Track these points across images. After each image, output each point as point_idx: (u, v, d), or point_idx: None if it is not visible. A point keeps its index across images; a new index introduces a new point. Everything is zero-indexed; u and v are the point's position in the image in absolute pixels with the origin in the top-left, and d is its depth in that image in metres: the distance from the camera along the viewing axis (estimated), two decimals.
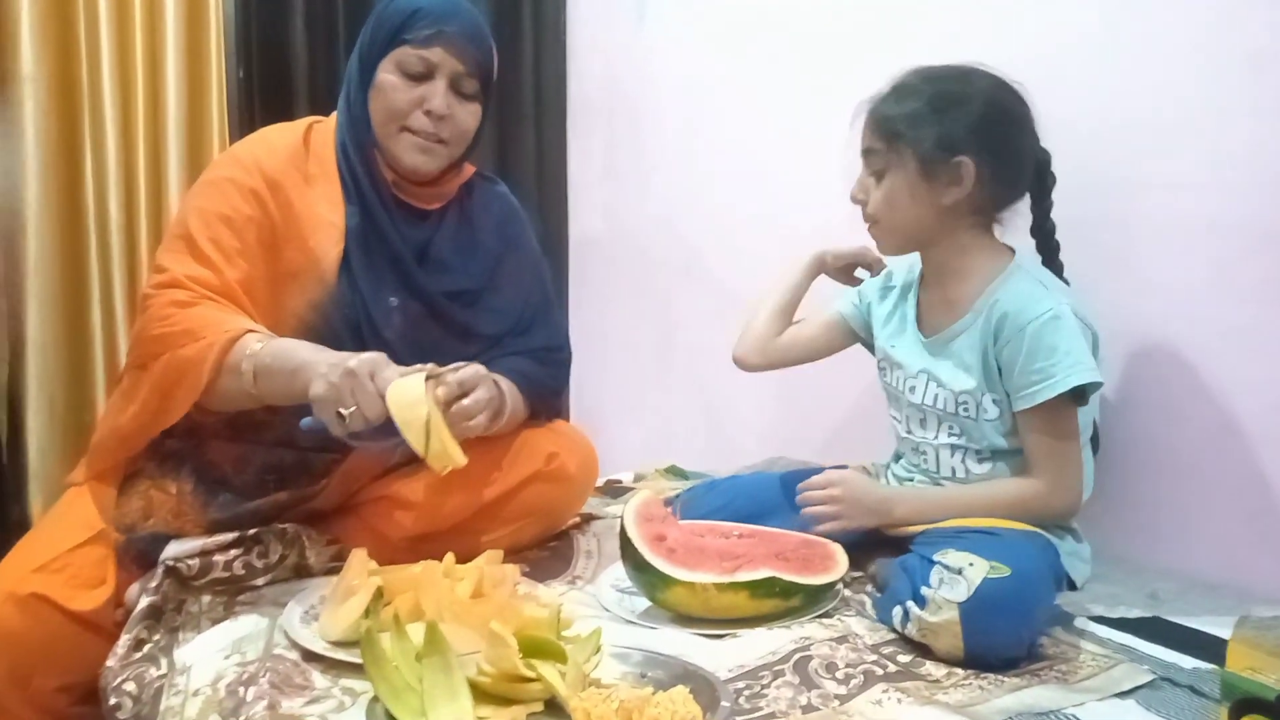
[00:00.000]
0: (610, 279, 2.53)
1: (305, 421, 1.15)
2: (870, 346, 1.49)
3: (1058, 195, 1.32)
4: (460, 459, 1.14)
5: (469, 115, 1.36)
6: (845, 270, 1.54)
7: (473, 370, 1.23)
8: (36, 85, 1.91)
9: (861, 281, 1.52)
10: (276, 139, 1.37)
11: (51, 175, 1.95)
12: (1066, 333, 1.20)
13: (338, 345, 1.19)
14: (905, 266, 1.42)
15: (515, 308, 1.46)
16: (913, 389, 1.33)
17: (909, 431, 1.35)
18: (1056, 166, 1.31)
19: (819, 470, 1.50)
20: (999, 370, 1.24)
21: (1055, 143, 1.33)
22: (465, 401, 1.21)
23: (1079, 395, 1.21)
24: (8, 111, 1.89)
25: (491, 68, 1.38)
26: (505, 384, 1.33)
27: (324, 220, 1.32)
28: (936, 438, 1.31)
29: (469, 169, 1.47)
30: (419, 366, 1.15)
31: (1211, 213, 1.28)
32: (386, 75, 1.32)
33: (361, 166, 1.35)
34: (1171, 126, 1.32)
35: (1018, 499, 1.23)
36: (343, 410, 1.10)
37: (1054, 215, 1.32)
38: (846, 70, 1.79)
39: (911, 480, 1.36)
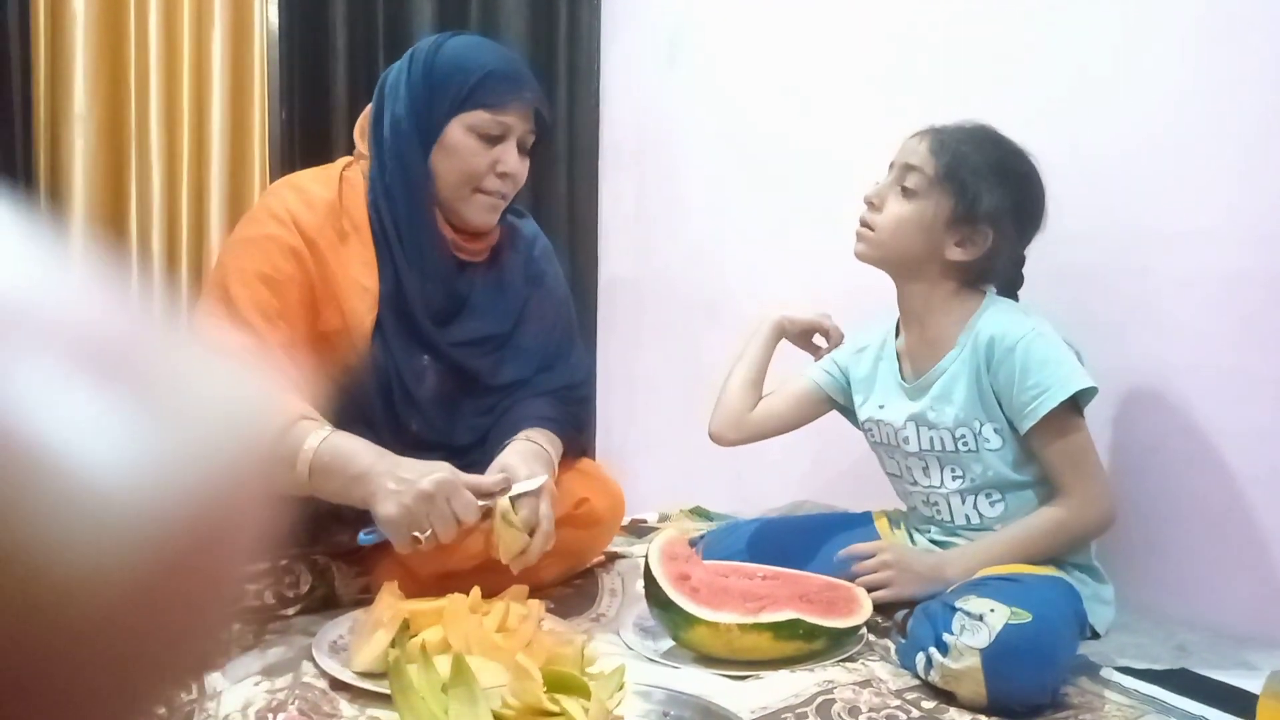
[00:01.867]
0: (639, 320, 2.55)
1: (364, 536, 1.15)
2: (846, 412, 1.48)
3: (1084, 244, 1.33)
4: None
5: (526, 169, 1.37)
6: (804, 336, 1.54)
7: (540, 481, 1.22)
8: (87, 125, 1.98)
9: (820, 349, 1.52)
10: (314, 193, 1.33)
11: (98, 212, 2.01)
12: (1055, 346, 1.23)
13: (367, 405, 1.17)
14: (875, 331, 1.43)
15: (540, 346, 1.46)
16: (906, 440, 1.33)
17: (914, 483, 1.35)
18: (1085, 218, 1.33)
19: (844, 515, 1.51)
20: (997, 398, 1.25)
21: (1081, 192, 1.35)
22: (542, 522, 1.21)
23: (1078, 406, 1.22)
24: (60, 149, 1.96)
25: (546, 121, 1.39)
26: (548, 444, 1.32)
27: (358, 284, 1.30)
28: (942, 484, 1.31)
29: None
30: (495, 479, 1.18)
31: (1238, 264, 1.28)
32: (460, 138, 1.30)
33: (417, 226, 1.32)
34: (1198, 177, 1.33)
35: (1056, 525, 1.23)
36: (418, 534, 1.10)
37: (1079, 263, 1.34)
38: (876, 117, 1.82)
39: (928, 532, 1.36)
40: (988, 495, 1.29)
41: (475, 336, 1.39)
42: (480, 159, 1.31)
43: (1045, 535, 1.22)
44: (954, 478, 1.30)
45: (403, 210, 1.32)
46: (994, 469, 1.27)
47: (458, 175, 1.31)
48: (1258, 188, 1.27)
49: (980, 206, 1.25)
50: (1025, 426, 1.23)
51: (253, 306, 1.23)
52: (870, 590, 1.22)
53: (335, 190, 1.33)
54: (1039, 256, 1.34)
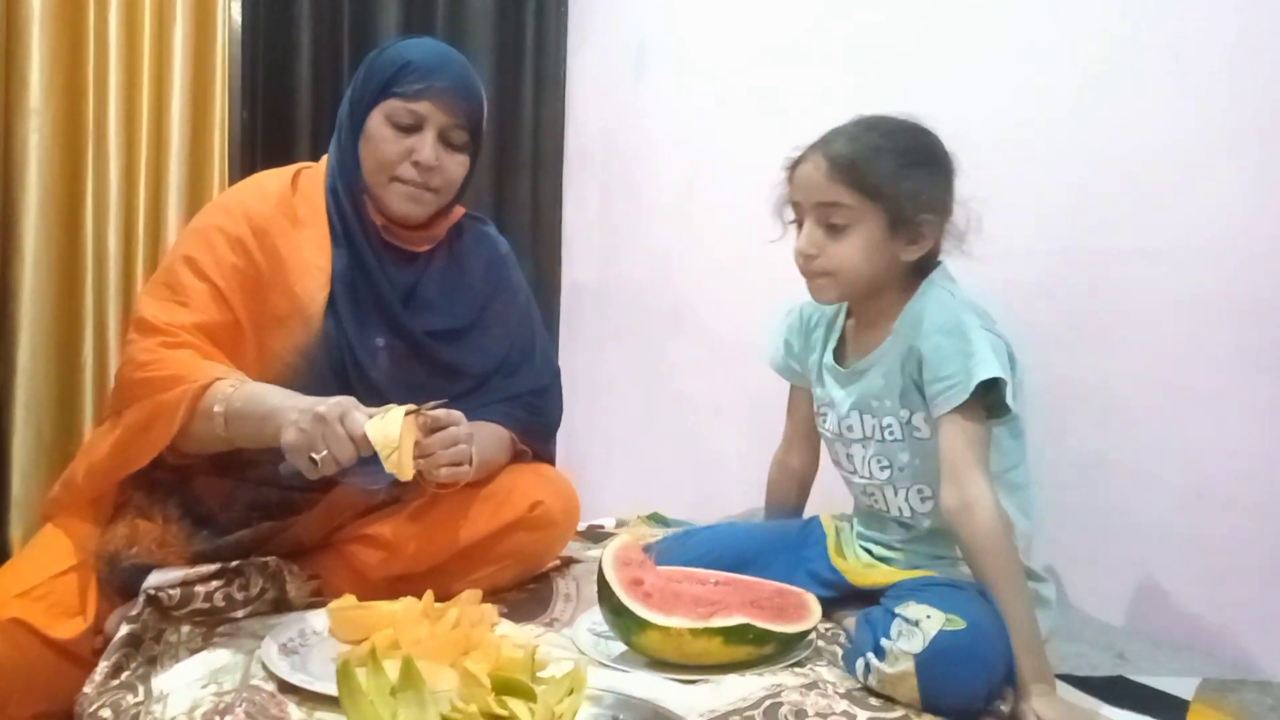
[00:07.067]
0: (601, 325, 2.56)
1: (283, 466, 1.18)
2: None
3: (1035, 260, 1.35)
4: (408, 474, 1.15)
5: (457, 165, 1.39)
6: None
7: (447, 412, 1.25)
8: (43, 119, 1.95)
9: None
10: (268, 184, 1.40)
11: (52, 208, 1.97)
12: (970, 337, 1.17)
13: (323, 387, 1.18)
14: (825, 310, 1.40)
15: (501, 348, 1.48)
16: (850, 427, 1.31)
17: (854, 472, 1.33)
18: (1035, 234, 1.35)
19: (797, 521, 1.52)
20: (917, 387, 1.22)
21: (1033, 211, 1.38)
22: (447, 432, 1.22)
23: (989, 404, 1.18)
24: (13, 143, 1.93)
25: (480, 119, 1.40)
26: (481, 429, 1.33)
27: (310, 265, 1.34)
28: (873, 475, 1.30)
29: (458, 210, 1.50)
30: (388, 407, 1.17)
31: (1185, 283, 1.32)
32: (376, 126, 1.35)
33: (351, 210, 1.37)
34: (1146, 198, 1.37)
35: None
36: (314, 455, 1.12)
37: (1029, 279, 1.36)
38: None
39: (870, 539, 1.35)
40: (919, 491, 1.27)
41: (431, 328, 1.41)
42: (392, 146, 1.34)
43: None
44: (882, 468, 1.28)
45: (343, 195, 1.38)
46: (922, 460, 1.24)
47: (373, 162, 1.36)
48: (1205, 209, 1.30)
49: (916, 204, 1.22)
50: (936, 413, 1.18)
51: (193, 291, 1.29)
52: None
53: (289, 181, 1.40)
54: (989, 272, 1.36)
